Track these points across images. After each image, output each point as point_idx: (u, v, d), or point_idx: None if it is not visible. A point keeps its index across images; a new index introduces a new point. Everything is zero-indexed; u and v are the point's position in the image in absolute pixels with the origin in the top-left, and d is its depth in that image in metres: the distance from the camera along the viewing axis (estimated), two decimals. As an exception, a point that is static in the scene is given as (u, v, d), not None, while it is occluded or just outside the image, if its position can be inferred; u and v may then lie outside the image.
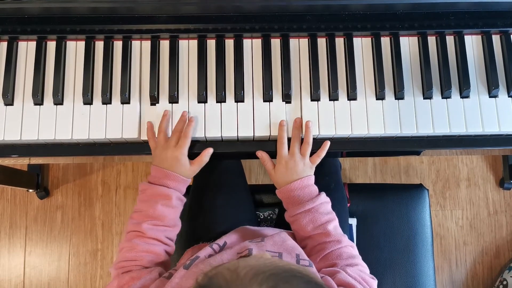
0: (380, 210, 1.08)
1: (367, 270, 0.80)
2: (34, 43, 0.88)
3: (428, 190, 1.11)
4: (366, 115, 0.86)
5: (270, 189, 1.02)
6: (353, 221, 1.06)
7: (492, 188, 1.70)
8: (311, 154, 0.85)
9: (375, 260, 1.05)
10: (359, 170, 1.72)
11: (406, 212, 1.08)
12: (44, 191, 1.65)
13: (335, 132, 0.85)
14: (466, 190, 1.70)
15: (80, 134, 0.85)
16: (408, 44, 0.89)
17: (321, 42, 0.89)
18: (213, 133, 0.85)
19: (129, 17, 0.87)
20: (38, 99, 0.85)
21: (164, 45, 0.88)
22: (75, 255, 1.65)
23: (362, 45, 0.89)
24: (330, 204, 0.85)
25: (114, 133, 0.85)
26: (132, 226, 0.80)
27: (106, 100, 0.86)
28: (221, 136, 0.85)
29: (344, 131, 0.85)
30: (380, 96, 0.86)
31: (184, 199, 0.85)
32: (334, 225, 0.82)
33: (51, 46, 0.88)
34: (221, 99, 0.86)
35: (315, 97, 0.86)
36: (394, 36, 0.89)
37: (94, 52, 0.88)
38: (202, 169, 0.86)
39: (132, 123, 0.85)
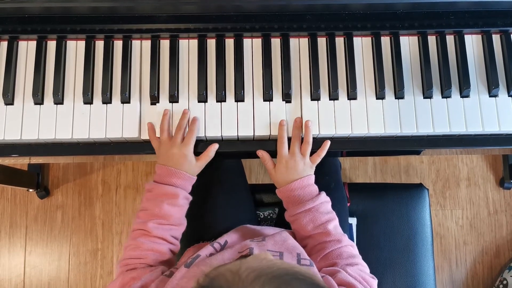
0: (380, 210, 1.08)
1: (367, 270, 0.80)
2: (35, 42, 0.88)
3: (428, 189, 1.11)
4: (366, 115, 0.86)
5: (270, 188, 1.01)
6: (353, 221, 1.06)
7: (492, 187, 1.70)
8: (311, 153, 0.85)
9: (375, 259, 1.05)
10: (359, 170, 1.72)
11: (406, 211, 1.08)
12: (44, 191, 1.65)
13: (335, 131, 0.85)
14: (466, 189, 1.70)
15: (80, 134, 0.85)
16: (408, 43, 0.89)
17: (321, 42, 0.89)
18: (213, 132, 0.85)
19: (129, 16, 0.87)
20: (38, 99, 0.85)
21: (164, 44, 0.88)
22: (75, 255, 1.65)
23: (362, 44, 0.89)
24: (330, 203, 0.85)
25: (114, 133, 0.85)
26: (137, 225, 0.81)
27: (106, 100, 0.86)
28: (221, 135, 0.85)
29: (344, 131, 0.85)
30: (380, 95, 0.86)
31: (190, 198, 0.85)
32: (334, 225, 0.82)
33: (52, 45, 0.88)
34: (221, 98, 0.86)
35: (315, 97, 0.86)
36: (394, 35, 0.89)
37: (94, 51, 0.88)
38: (203, 169, 0.86)
39: (132, 122, 0.85)
